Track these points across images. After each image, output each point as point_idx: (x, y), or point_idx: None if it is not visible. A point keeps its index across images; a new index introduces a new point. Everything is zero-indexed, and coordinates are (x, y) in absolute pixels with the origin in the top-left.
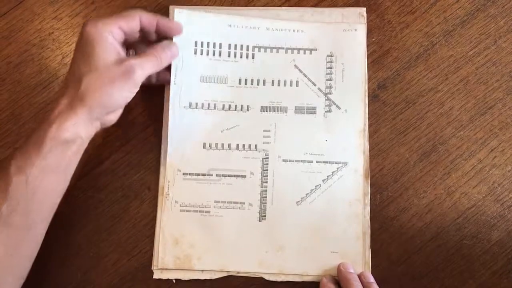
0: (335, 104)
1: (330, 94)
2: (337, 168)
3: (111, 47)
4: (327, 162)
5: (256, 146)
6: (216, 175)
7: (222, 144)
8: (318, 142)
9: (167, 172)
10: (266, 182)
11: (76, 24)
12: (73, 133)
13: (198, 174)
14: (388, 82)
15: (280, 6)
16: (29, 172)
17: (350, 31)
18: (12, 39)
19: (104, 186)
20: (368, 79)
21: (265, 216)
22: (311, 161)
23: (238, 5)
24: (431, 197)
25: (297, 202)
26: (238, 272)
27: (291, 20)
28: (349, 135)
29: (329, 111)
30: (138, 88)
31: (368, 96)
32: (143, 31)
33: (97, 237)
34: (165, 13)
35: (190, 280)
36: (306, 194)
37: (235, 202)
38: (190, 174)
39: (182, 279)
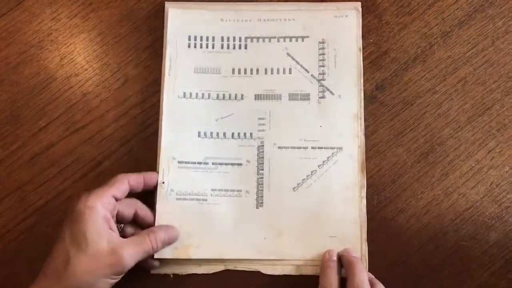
0: (328, 90)
1: (323, 80)
2: (332, 153)
3: (102, 223)
4: (322, 148)
5: (251, 134)
6: (212, 164)
7: (217, 133)
8: (312, 128)
9: (161, 160)
10: (262, 170)
11: (75, 25)
12: None
13: (194, 163)
14: (386, 83)
15: (277, 1)
16: None
17: (341, 17)
18: (10, 40)
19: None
20: (366, 80)
21: (262, 203)
22: (306, 147)
23: (236, 0)
24: (428, 198)
25: (293, 188)
26: (236, 266)
27: (283, 10)
28: (343, 121)
29: (323, 97)
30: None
31: (366, 97)
32: (131, 191)
33: None
34: (163, 12)
35: (187, 275)
36: (303, 180)
37: (232, 190)
38: (185, 162)
39: (179, 273)
